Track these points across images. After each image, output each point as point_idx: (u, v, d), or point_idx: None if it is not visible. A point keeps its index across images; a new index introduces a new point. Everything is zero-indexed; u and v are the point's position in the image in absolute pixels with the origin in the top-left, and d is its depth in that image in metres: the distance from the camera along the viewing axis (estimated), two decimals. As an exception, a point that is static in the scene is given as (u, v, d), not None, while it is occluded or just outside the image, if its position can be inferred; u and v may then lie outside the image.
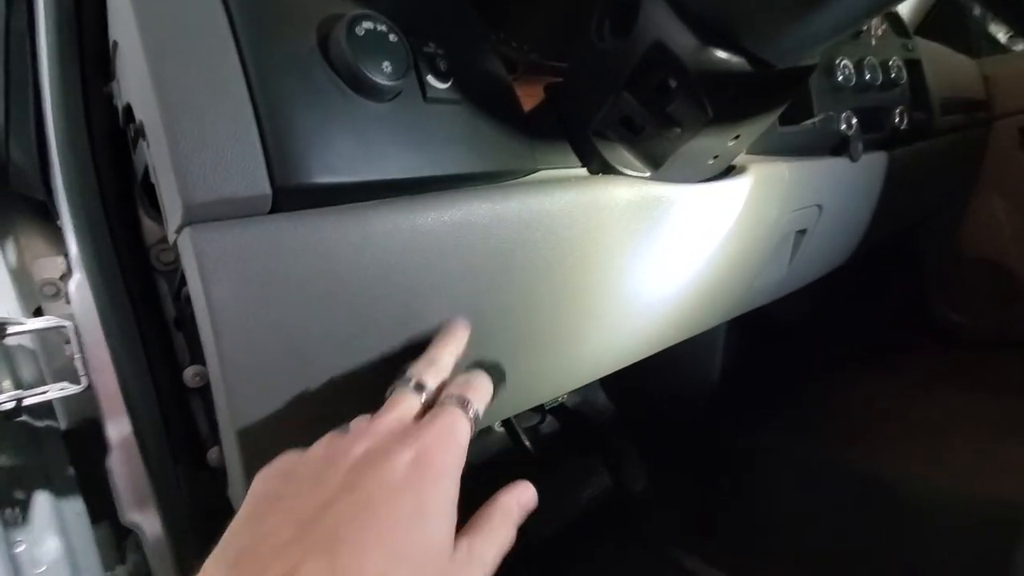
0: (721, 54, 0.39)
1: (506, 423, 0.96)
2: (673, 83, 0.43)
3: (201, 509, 0.49)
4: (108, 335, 0.46)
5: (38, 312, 0.55)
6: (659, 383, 1.08)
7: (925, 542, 0.86)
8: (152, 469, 0.47)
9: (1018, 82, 1.25)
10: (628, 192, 0.47)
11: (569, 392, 1.11)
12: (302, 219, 0.32)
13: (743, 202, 0.57)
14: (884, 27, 0.88)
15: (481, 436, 0.98)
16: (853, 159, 0.75)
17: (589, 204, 0.45)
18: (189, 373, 0.48)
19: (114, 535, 0.54)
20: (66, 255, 0.51)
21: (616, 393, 1.10)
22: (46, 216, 0.55)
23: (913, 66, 0.94)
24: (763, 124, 0.51)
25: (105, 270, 0.45)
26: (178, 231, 0.30)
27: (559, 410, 1.04)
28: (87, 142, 0.44)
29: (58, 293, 0.57)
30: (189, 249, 0.29)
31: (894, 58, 0.86)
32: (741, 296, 0.72)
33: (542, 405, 1.05)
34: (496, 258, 0.41)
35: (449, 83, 0.38)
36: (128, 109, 0.39)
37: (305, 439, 0.39)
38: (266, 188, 0.30)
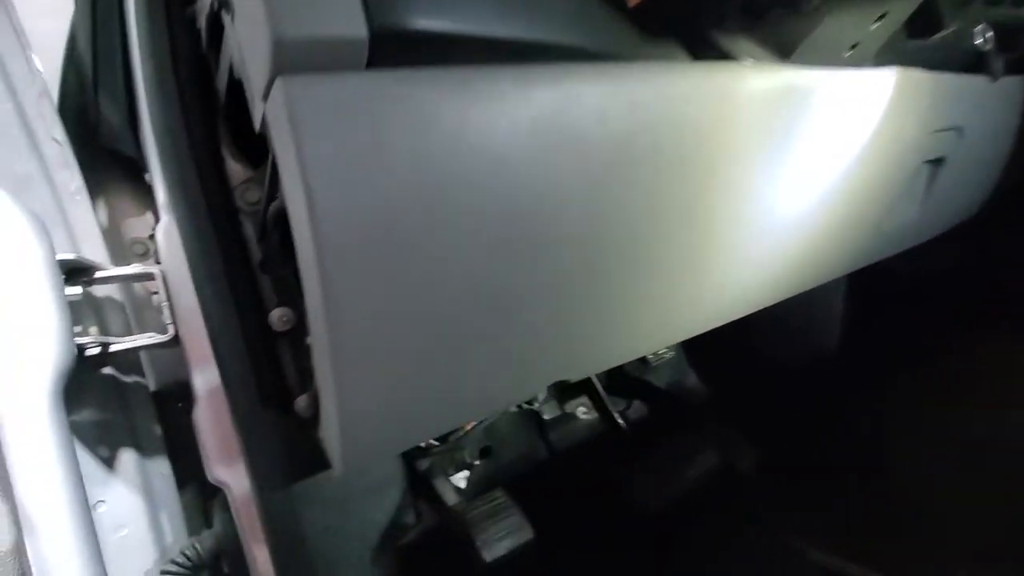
0: None
1: (597, 406, 0.89)
2: (807, -53, 0.37)
3: (288, 461, 0.45)
4: (196, 279, 0.44)
5: (126, 272, 0.54)
6: (767, 353, 0.98)
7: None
8: (240, 419, 0.43)
9: None
10: (759, 77, 0.40)
11: (656, 373, 1.03)
12: (400, 76, 0.27)
13: (880, 111, 0.49)
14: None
15: (563, 423, 0.91)
16: (993, 77, 0.65)
17: (718, 88, 0.38)
18: (276, 315, 0.45)
19: (200, 499, 0.51)
20: (154, 211, 0.50)
21: (707, 369, 1.01)
22: (135, 176, 0.55)
23: (1045, -15, 0.82)
24: (912, 3, 0.43)
25: (193, 212, 0.44)
26: (268, 88, 0.26)
27: (647, 392, 0.95)
28: (172, 72, 0.43)
29: (147, 252, 0.56)
30: (281, 104, 0.25)
31: (1027, -29, 0.75)
32: (869, 238, 0.63)
33: (627, 388, 0.97)
34: (612, 147, 0.35)
35: (555, -58, 0.33)
36: (212, 14, 0.37)
37: (405, 343, 0.34)
38: (362, 30, 0.26)
